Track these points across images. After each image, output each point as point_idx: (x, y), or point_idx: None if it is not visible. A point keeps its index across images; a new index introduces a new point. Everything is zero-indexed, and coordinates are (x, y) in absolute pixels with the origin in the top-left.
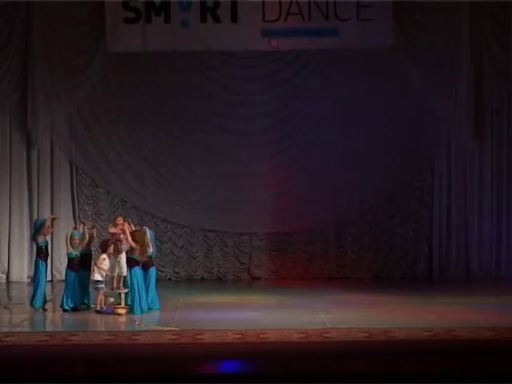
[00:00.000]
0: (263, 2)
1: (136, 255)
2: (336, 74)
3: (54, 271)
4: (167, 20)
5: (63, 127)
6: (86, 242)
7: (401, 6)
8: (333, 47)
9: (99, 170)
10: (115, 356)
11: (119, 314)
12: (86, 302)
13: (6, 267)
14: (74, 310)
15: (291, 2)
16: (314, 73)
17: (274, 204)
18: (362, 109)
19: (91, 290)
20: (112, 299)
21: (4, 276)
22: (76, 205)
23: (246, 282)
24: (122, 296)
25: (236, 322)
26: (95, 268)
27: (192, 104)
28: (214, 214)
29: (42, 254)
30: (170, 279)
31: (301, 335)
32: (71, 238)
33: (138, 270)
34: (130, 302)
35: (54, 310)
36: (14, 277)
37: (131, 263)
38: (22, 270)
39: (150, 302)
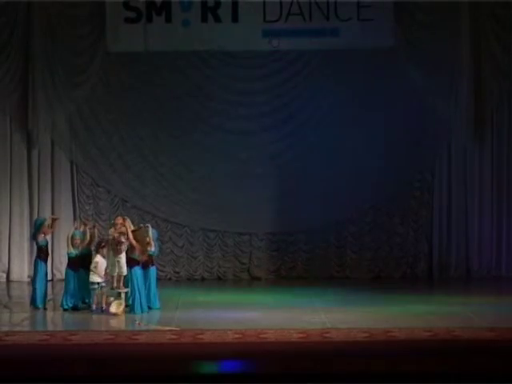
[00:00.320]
0: (264, 2)
1: (136, 254)
2: (336, 74)
3: (54, 271)
4: (168, 20)
5: (64, 127)
6: (86, 241)
7: (401, 6)
8: (333, 47)
9: (100, 170)
10: (115, 356)
11: (117, 314)
12: (86, 301)
13: (7, 266)
14: (74, 309)
15: (292, 2)
16: (315, 73)
17: (274, 204)
18: (362, 109)
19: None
20: (112, 299)
21: (4, 275)
22: (76, 204)
23: (246, 281)
24: (122, 296)
25: (236, 321)
26: (91, 272)
27: (192, 104)
28: (214, 214)
29: (41, 253)
30: (170, 279)
31: (301, 335)
32: (72, 237)
33: (138, 270)
34: (130, 302)
35: (54, 310)
36: (14, 276)
37: (131, 263)
38: (22, 269)
39: (150, 301)
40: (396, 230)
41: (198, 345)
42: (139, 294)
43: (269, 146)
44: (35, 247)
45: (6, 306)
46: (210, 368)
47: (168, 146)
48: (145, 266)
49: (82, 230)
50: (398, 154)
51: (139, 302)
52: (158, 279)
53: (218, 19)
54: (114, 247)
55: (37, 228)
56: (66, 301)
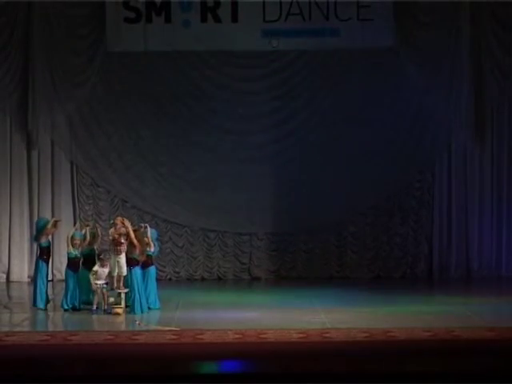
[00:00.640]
0: (264, 2)
1: (136, 254)
2: (336, 74)
3: (54, 271)
4: (168, 20)
5: (63, 127)
6: (86, 242)
7: (401, 5)
8: (333, 47)
9: (99, 170)
10: (115, 356)
11: (117, 314)
12: (86, 300)
13: (7, 267)
14: (74, 309)
15: (292, 2)
16: (315, 73)
17: (275, 204)
18: (361, 109)
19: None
20: (112, 299)
21: (4, 276)
22: (76, 205)
23: (246, 281)
24: (122, 296)
25: (236, 321)
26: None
27: (192, 104)
28: (214, 214)
29: (43, 254)
30: (170, 279)
31: (301, 335)
32: (72, 238)
33: (137, 270)
34: (130, 302)
35: (54, 310)
36: (14, 276)
37: (131, 263)
38: (22, 269)
39: (150, 301)
40: (396, 230)
41: (198, 345)
42: (139, 294)
43: (269, 146)
44: (36, 248)
45: (5, 307)
46: (210, 368)
47: (168, 146)
48: (144, 266)
49: (83, 231)
50: (398, 154)
51: (139, 302)
52: (158, 279)
53: (217, 19)
54: (113, 248)
55: (39, 230)
56: (66, 301)
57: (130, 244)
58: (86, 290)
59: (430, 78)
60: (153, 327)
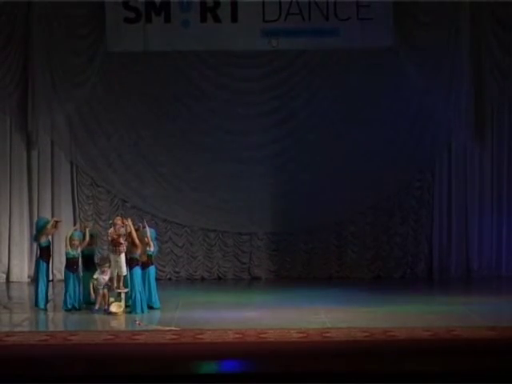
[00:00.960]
0: (263, 2)
1: (137, 254)
2: (336, 74)
3: (54, 271)
4: (167, 20)
5: (63, 127)
6: (86, 242)
7: (401, 5)
8: (333, 47)
9: (99, 170)
10: (115, 356)
11: (117, 314)
12: (90, 302)
13: (7, 267)
14: (74, 309)
15: (291, 2)
16: (314, 72)
17: (274, 204)
18: (361, 108)
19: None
20: (112, 299)
21: (4, 276)
22: (76, 204)
23: (246, 281)
24: (122, 296)
25: (236, 321)
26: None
27: (192, 104)
28: (214, 214)
29: (44, 254)
30: (170, 279)
31: (301, 335)
32: (71, 238)
33: (138, 270)
34: (130, 302)
35: (54, 310)
36: (14, 276)
37: (131, 263)
38: (22, 269)
39: (151, 301)
40: (396, 229)
41: (198, 345)
42: (139, 294)
43: (269, 146)
44: (36, 248)
45: (5, 307)
46: (210, 368)
47: (168, 145)
48: (144, 266)
49: (82, 231)
50: (398, 153)
51: (139, 302)
52: (158, 279)
53: (217, 19)
54: (112, 248)
55: (39, 230)
56: (66, 302)
57: (132, 244)
58: (88, 291)
59: (430, 78)
60: (153, 327)
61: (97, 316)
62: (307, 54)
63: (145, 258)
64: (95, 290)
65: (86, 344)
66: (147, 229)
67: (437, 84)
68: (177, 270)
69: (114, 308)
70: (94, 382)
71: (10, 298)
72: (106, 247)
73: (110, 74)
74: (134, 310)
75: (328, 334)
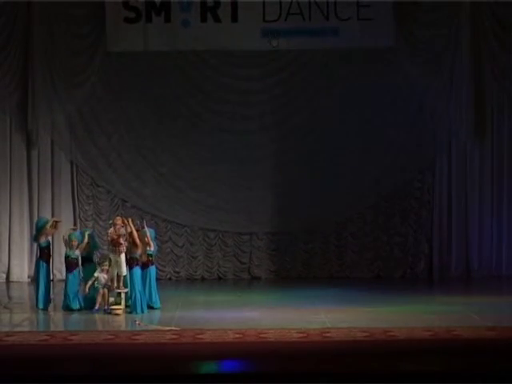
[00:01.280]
0: (263, 2)
1: (137, 254)
2: (336, 74)
3: (54, 271)
4: (167, 20)
5: (63, 127)
6: (83, 246)
7: (401, 5)
8: (333, 47)
9: (99, 170)
10: (115, 355)
11: (117, 314)
12: (92, 301)
13: (7, 267)
14: (74, 309)
15: (291, 2)
16: (314, 72)
17: (274, 204)
18: (361, 108)
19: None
20: (112, 299)
21: (4, 276)
22: (76, 204)
23: (247, 281)
24: (122, 296)
25: (236, 321)
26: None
27: (192, 103)
28: (214, 214)
29: (43, 254)
30: (170, 279)
31: (301, 335)
32: (70, 239)
33: (138, 270)
34: (130, 302)
35: (54, 310)
36: (14, 276)
37: (132, 263)
38: (22, 269)
39: (151, 300)
40: (396, 229)
41: (198, 344)
42: (139, 294)
43: (269, 146)
44: (36, 248)
45: (6, 307)
46: (210, 368)
47: (168, 145)
48: (144, 266)
49: (81, 232)
50: (398, 153)
51: (139, 302)
52: (158, 279)
53: (217, 19)
54: (112, 248)
55: (38, 230)
56: (66, 301)
57: (133, 244)
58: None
59: (430, 78)
60: (153, 327)
61: (97, 316)
62: (307, 54)
63: (145, 258)
64: (95, 289)
65: (86, 344)
66: (146, 229)
67: (437, 84)
68: (177, 269)
69: (114, 308)
70: (94, 382)
71: (10, 297)
72: (105, 247)
73: (109, 74)
74: (134, 309)
75: (328, 334)
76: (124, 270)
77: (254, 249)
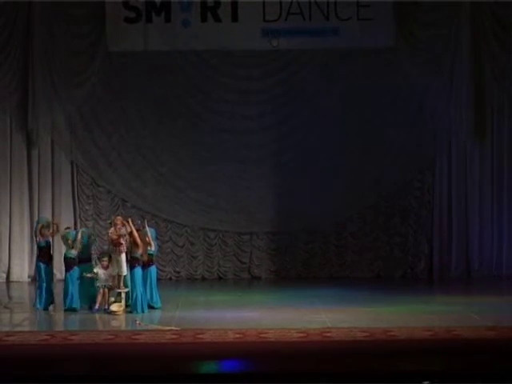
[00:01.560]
0: (264, 2)
1: (138, 254)
2: (336, 74)
3: (54, 271)
4: (168, 20)
5: (63, 127)
6: (76, 244)
7: (401, 5)
8: (333, 47)
9: (100, 170)
10: (116, 355)
11: (117, 314)
12: (92, 300)
13: (7, 266)
14: (74, 309)
15: (292, 2)
16: (314, 72)
17: (274, 203)
18: (362, 108)
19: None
20: (112, 299)
21: (4, 275)
22: (77, 204)
23: (247, 281)
24: (123, 295)
25: (236, 321)
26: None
27: (192, 103)
28: (214, 214)
29: (41, 254)
30: (170, 278)
31: (301, 335)
32: (67, 239)
33: (138, 270)
34: (130, 302)
35: (54, 310)
36: (14, 276)
37: (132, 262)
38: (22, 269)
39: (152, 300)
40: (396, 229)
41: (199, 344)
42: (140, 293)
43: (269, 146)
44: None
45: (6, 307)
46: (210, 367)
47: (168, 145)
48: (145, 266)
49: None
50: (398, 153)
51: (140, 302)
52: (159, 279)
53: (217, 19)
54: (112, 248)
55: (34, 229)
56: (66, 301)
57: (133, 244)
58: (85, 290)
59: (430, 78)
60: (153, 327)
61: (97, 316)
62: (307, 54)
63: (146, 258)
64: (95, 288)
65: (86, 344)
66: (147, 229)
67: (437, 84)
68: (177, 269)
69: (114, 308)
70: (94, 382)
71: (10, 297)
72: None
73: (110, 74)
74: (134, 309)
75: (328, 334)
76: (124, 270)
77: (254, 249)
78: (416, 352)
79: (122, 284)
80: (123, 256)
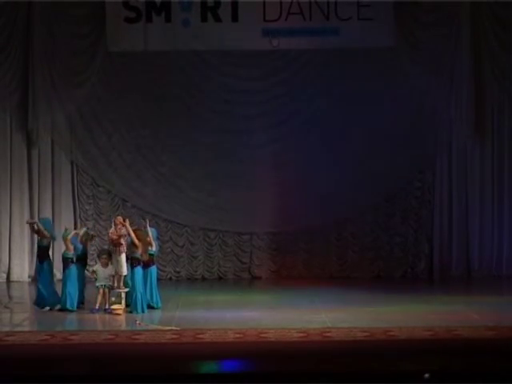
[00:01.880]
0: (264, 2)
1: (138, 254)
2: (336, 74)
3: (54, 271)
4: (168, 20)
5: (64, 127)
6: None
7: (401, 5)
8: (333, 47)
9: (100, 170)
10: (116, 355)
11: (118, 314)
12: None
13: (7, 266)
14: (72, 309)
15: (292, 2)
16: (315, 72)
17: (275, 203)
18: (362, 108)
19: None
20: (113, 299)
21: (5, 275)
22: (77, 204)
23: (247, 281)
24: (123, 295)
25: (236, 321)
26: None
27: (192, 103)
28: (214, 214)
29: (39, 254)
30: (170, 278)
31: (301, 335)
32: (66, 239)
33: (139, 270)
34: (130, 302)
35: (54, 310)
36: (14, 276)
37: (133, 262)
38: (22, 269)
39: (152, 300)
40: (397, 229)
41: (199, 344)
42: (140, 293)
43: (269, 146)
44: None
45: (6, 307)
46: (210, 367)
47: (168, 145)
48: (145, 266)
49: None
50: (399, 153)
51: (140, 302)
52: (159, 279)
53: (217, 19)
54: (113, 248)
55: (48, 228)
56: (66, 301)
57: (132, 244)
58: (82, 289)
59: (431, 78)
60: (153, 327)
61: (97, 316)
62: (308, 54)
63: (146, 258)
64: (96, 288)
65: (87, 344)
66: (148, 228)
67: (437, 84)
68: (177, 269)
69: (114, 308)
70: (94, 382)
71: (10, 297)
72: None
73: (110, 74)
74: (134, 309)
75: (328, 334)
76: (124, 270)
77: (254, 248)
78: (416, 352)
79: (122, 284)
80: (123, 256)
